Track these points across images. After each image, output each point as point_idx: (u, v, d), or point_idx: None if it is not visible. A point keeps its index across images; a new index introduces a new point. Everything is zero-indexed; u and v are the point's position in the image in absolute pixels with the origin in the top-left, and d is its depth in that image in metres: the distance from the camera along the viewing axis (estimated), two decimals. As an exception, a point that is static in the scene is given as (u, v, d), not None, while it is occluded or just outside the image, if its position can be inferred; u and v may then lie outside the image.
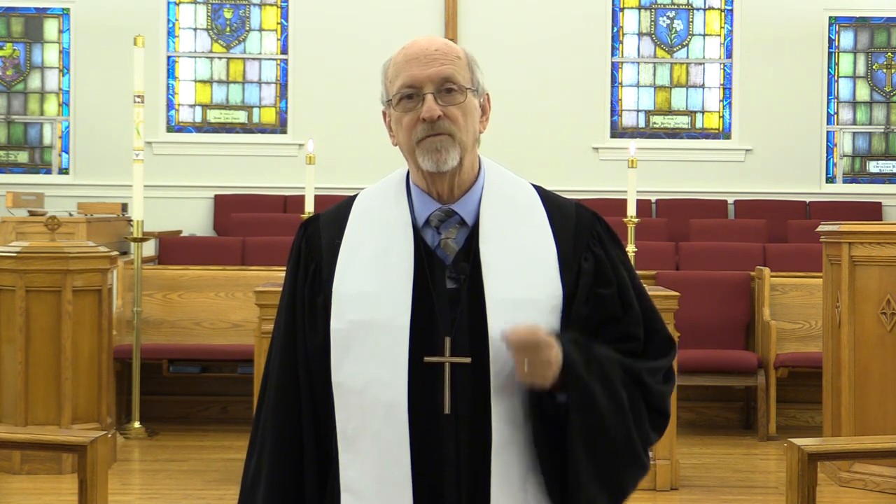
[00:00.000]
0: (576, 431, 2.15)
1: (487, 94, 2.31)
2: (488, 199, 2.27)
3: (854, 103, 11.45)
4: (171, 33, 11.36)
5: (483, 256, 2.22)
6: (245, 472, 2.34)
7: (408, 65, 2.22)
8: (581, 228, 2.30)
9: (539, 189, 2.35)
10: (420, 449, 2.16)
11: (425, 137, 2.20)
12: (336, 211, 2.35)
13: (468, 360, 2.17)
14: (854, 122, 11.45)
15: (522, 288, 2.20)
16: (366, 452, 2.18)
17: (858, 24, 11.41)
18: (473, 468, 2.17)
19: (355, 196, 2.36)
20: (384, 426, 2.16)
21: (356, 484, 2.20)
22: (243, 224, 10.28)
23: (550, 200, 2.33)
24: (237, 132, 11.38)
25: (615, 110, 11.41)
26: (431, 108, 2.19)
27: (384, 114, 2.31)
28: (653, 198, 11.05)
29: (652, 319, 2.32)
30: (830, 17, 11.35)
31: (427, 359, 2.17)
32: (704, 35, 11.49)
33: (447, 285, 2.22)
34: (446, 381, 2.17)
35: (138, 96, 7.85)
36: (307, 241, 2.32)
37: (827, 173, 11.41)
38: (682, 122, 11.48)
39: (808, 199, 11.17)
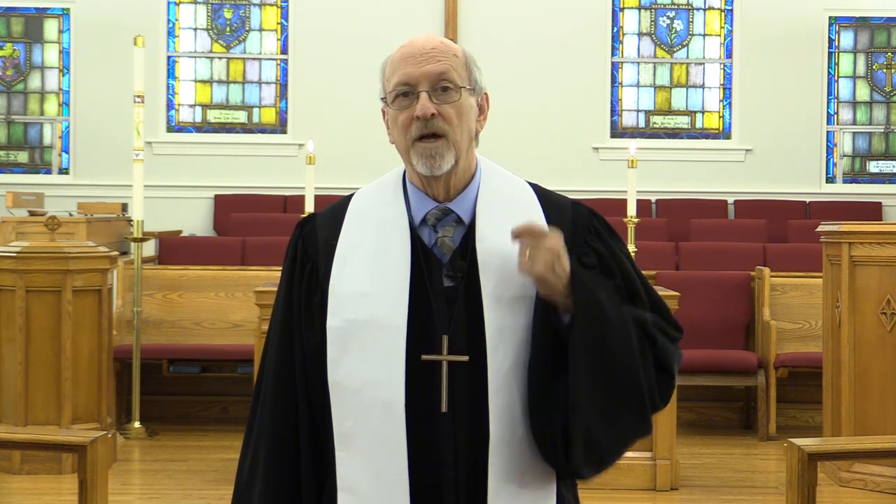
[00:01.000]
0: (580, 343, 2.11)
1: (486, 94, 2.31)
2: (484, 197, 2.26)
3: (854, 103, 11.45)
4: (171, 33, 11.36)
5: (480, 255, 2.21)
6: (240, 469, 2.34)
7: (404, 62, 2.22)
8: (578, 225, 2.29)
9: (535, 187, 2.35)
10: (417, 447, 2.15)
11: (420, 137, 2.20)
12: (332, 210, 2.35)
13: (465, 358, 2.17)
14: (854, 122, 11.45)
15: (519, 286, 2.19)
16: (363, 451, 2.18)
17: (858, 24, 11.41)
18: (471, 466, 2.16)
19: (352, 195, 2.36)
20: (381, 425, 2.16)
21: (353, 482, 2.20)
22: (243, 224, 10.28)
23: (547, 198, 2.33)
24: (237, 132, 11.38)
25: (615, 110, 11.41)
26: (425, 106, 2.19)
27: (383, 111, 2.30)
28: (653, 198, 11.05)
29: (659, 308, 2.30)
30: (830, 17, 11.35)
31: (424, 357, 2.17)
32: (704, 35, 11.49)
33: (444, 283, 2.21)
34: (444, 380, 2.16)
35: (138, 96, 7.85)
36: (304, 241, 2.32)
37: (827, 173, 11.41)
38: (682, 122, 11.48)
39: (808, 199, 11.17)
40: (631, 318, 2.19)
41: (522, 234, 2.13)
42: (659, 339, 2.23)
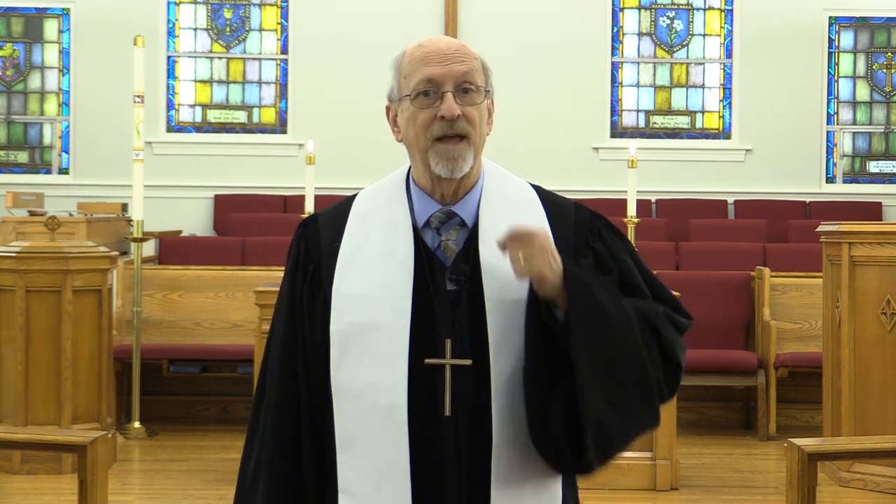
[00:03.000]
0: (579, 334, 2.09)
1: (492, 99, 2.30)
2: (488, 200, 2.26)
3: (854, 103, 11.46)
4: (171, 33, 11.36)
5: (483, 258, 2.21)
6: (243, 471, 2.33)
7: (426, 61, 2.19)
8: (580, 228, 2.29)
9: (538, 189, 2.34)
10: (420, 451, 2.15)
11: (443, 137, 2.18)
12: (335, 210, 2.34)
13: (469, 362, 2.16)
14: (854, 122, 11.46)
15: (522, 289, 2.18)
16: (364, 454, 2.17)
17: (858, 24, 11.41)
18: (474, 470, 2.16)
19: (354, 195, 2.35)
20: (383, 429, 2.15)
21: (354, 486, 2.19)
22: (243, 224, 10.28)
23: (549, 200, 2.32)
24: (237, 132, 11.38)
25: (615, 110, 11.41)
26: (452, 106, 2.17)
27: (387, 109, 2.29)
28: (653, 198, 11.05)
29: (666, 301, 2.29)
30: (830, 17, 11.35)
31: (427, 361, 2.16)
32: (704, 35, 11.49)
33: (447, 287, 2.21)
34: (447, 384, 2.16)
35: (138, 96, 7.85)
36: (306, 241, 2.31)
37: (827, 173, 11.41)
38: (682, 122, 11.48)
39: (808, 199, 11.17)
40: (633, 309, 2.17)
41: (510, 241, 2.11)
42: (664, 331, 2.21)
